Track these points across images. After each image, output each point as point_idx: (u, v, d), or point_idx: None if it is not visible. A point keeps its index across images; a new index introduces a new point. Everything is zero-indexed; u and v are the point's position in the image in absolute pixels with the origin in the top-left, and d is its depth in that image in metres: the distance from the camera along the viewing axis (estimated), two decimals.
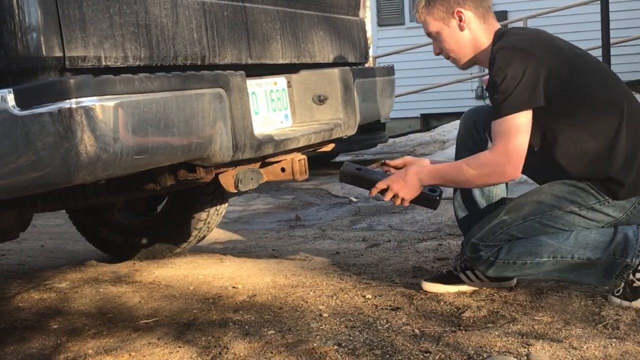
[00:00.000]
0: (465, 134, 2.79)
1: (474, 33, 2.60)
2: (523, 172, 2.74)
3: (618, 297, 2.50)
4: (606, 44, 8.47)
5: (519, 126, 2.42)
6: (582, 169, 2.49)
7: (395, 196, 2.60)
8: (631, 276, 2.48)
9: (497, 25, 2.64)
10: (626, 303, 2.48)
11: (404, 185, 2.58)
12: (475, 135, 2.75)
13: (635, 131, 2.48)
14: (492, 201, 2.75)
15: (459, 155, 2.76)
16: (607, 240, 2.47)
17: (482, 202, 2.76)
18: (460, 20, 2.58)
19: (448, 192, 3.09)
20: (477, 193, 2.75)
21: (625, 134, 2.45)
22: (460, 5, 2.57)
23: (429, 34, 2.68)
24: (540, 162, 2.60)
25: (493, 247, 2.51)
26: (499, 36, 2.58)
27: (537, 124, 2.47)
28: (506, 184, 2.77)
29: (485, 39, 2.61)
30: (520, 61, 2.41)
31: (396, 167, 2.72)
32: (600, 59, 8.63)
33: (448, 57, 2.69)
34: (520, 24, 11.42)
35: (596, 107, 2.49)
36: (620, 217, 2.50)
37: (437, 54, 2.72)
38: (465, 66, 2.70)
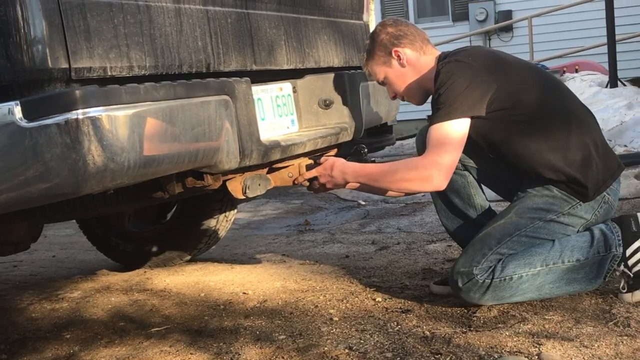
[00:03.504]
0: (423, 149, 2.81)
1: (415, 66, 2.68)
2: (481, 181, 2.79)
3: (627, 293, 2.51)
4: (611, 41, 8.46)
5: (455, 134, 2.45)
6: (540, 174, 2.54)
7: (320, 185, 2.69)
8: (622, 267, 2.50)
9: (438, 52, 2.70)
10: (638, 293, 2.49)
11: (329, 180, 2.65)
12: None
13: (585, 133, 2.55)
14: (472, 204, 2.80)
15: None
16: (588, 240, 2.52)
17: (464, 207, 2.81)
18: (400, 58, 2.68)
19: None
20: (457, 201, 2.80)
21: (576, 137, 2.52)
22: (396, 45, 2.67)
23: (380, 82, 2.79)
24: (497, 169, 2.68)
25: (486, 269, 2.50)
26: (443, 58, 2.63)
27: (490, 133, 2.53)
28: (482, 189, 2.82)
29: (428, 68, 2.67)
30: (464, 73, 2.46)
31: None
32: (606, 56, 8.63)
33: (403, 98, 2.79)
34: (525, 23, 11.43)
35: (545, 114, 2.54)
36: (591, 218, 2.57)
37: (394, 97, 2.81)
38: (420, 100, 2.75)
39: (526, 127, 2.51)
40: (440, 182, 2.47)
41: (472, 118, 2.46)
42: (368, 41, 2.76)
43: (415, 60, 2.67)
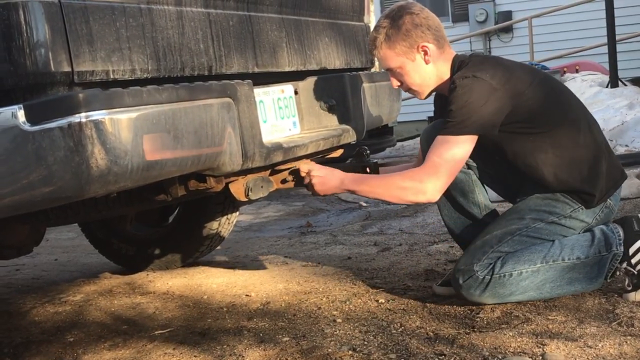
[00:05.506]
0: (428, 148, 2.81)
1: (437, 65, 2.60)
2: (483, 180, 2.81)
3: (630, 291, 2.52)
4: (612, 41, 8.46)
5: (459, 151, 2.46)
6: (549, 184, 2.56)
7: (309, 183, 2.63)
8: (625, 265, 2.51)
9: (453, 52, 2.64)
10: None
11: (322, 180, 2.61)
12: None
13: (593, 143, 2.59)
14: (475, 202, 2.79)
15: None
16: (588, 239, 2.54)
17: (467, 205, 2.80)
18: (426, 54, 2.56)
19: None
20: (460, 199, 2.79)
21: (584, 148, 2.55)
22: (424, 40, 2.55)
23: (388, 69, 2.65)
24: (501, 170, 2.70)
25: (487, 266, 2.51)
26: (458, 64, 2.58)
27: (501, 142, 2.54)
28: (485, 189, 2.83)
29: (446, 69, 2.61)
30: (481, 91, 2.44)
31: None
32: (606, 56, 8.63)
33: (408, 90, 2.69)
34: (525, 24, 11.43)
35: (558, 125, 2.56)
36: (592, 222, 2.60)
37: (398, 86, 2.70)
38: (427, 96, 2.71)
39: (538, 141, 2.54)
40: (433, 196, 2.48)
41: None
42: (386, 22, 2.58)
43: (437, 57, 2.58)
